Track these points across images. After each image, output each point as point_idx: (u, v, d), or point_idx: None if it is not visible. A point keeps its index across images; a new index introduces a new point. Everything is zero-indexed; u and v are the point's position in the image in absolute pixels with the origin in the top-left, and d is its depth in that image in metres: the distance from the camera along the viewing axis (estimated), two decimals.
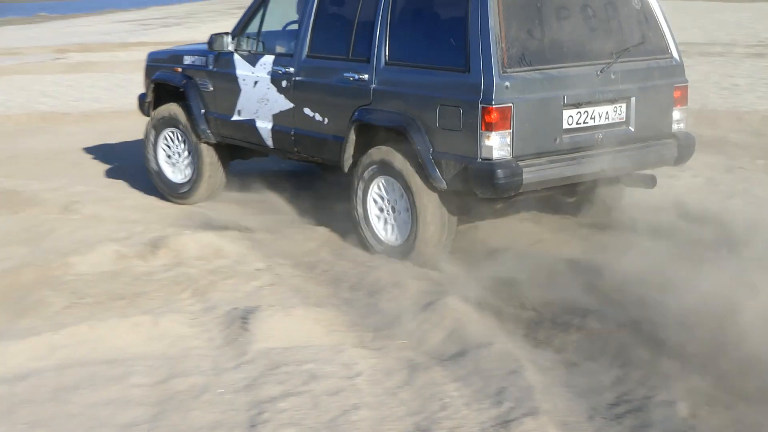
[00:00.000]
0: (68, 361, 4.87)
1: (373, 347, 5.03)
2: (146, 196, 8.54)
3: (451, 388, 4.52)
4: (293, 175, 9.07)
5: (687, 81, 6.84)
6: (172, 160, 8.34)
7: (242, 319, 5.29)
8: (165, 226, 7.32)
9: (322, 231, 7.07)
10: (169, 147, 8.33)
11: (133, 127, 11.03)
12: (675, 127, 6.80)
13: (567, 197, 7.23)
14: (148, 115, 8.48)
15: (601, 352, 4.92)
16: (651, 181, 6.82)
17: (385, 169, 6.47)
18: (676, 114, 6.79)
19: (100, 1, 51.83)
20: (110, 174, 9.50)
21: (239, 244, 6.75)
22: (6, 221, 7.77)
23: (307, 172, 9.15)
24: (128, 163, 9.33)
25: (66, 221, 7.63)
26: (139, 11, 44.77)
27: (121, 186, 8.93)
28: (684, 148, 6.81)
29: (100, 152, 10.62)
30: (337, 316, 5.43)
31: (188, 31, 29.41)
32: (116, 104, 14.17)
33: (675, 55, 6.78)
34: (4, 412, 4.36)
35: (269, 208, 7.93)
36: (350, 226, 7.02)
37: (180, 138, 8.22)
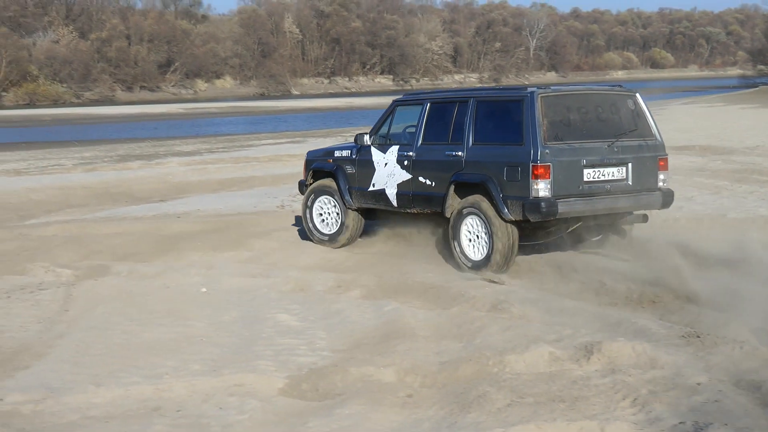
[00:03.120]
0: None
1: None
2: (581, 301, 8.57)
3: None
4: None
5: (667, 154, 10.17)
6: (324, 220, 11.73)
7: None
8: (594, 330, 7.30)
9: (765, 351, 6.67)
10: (321, 211, 11.75)
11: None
12: (660, 184, 10.11)
13: (593, 237, 10.36)
14: (303, 194, 12.07)
15: None
16: (644, 218, 10.31)
17: (472, 210, 9.82)
18: (661, 176, 10.10)
19: None
20: (536, 274, 9.70)
21: (676, 355, 6.55)
22: (438, 316, 8.14)
23: None
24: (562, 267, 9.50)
25: (495, 319, 7.84)
26: None
27: (549, 287, 9.06)
28: (666, 198, 10.13)
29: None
30: None
31: None
32: None
33: (658, 137, 10.10)
34: None
35: (691, 319, 7.72)
36: None
37: (330, 203, 11.66)
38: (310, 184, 11.95)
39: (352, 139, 11.57)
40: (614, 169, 9.72)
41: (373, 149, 11.12)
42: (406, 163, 10.68)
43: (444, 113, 10.47)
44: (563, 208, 9.36)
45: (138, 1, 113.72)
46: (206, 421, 5.90)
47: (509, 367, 6.59)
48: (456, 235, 9.98)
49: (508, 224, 9.60)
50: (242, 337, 7.73)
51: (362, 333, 7.72)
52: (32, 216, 15.85)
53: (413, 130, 10.80)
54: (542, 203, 9.25)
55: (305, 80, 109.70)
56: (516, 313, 8.00)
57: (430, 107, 10.66)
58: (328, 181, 11.67)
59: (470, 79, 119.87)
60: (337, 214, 11.59)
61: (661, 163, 10.06)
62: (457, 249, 9.99)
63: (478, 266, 9.77)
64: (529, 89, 9.59)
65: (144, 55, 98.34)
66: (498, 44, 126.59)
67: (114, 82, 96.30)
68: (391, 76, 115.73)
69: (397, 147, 10.83)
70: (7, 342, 7.72)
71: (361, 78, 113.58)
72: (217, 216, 14.67)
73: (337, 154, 11.69)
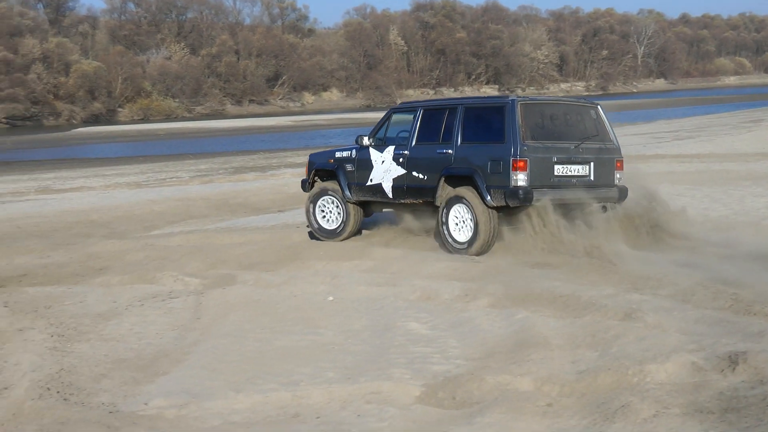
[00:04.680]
0: None
1: None
2: (716, 310, 8.31)
3: None
4: None
5: (622, 156, 11.96)
6: (325, 216, 13.27)
7: None
8: (736, 340, 7.07)
9: None
10: (323, 209, 13.28)
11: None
12: (616, 181, 11.86)
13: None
14: (307, 191, 13.59)
15: None
16: (604, 209, 11.62)
17: (459, 199, 11.46)
18: (617, 174, 11.86)
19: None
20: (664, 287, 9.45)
21: None
22: (571, 324, 8.00)
23: None
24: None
25: (629, 328, 7.66)
26: (649, 125, 45.30)
27: (679, 297, 8.82)
28: (622, 193, 11.84)
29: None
30: None
31: (702, 144, 29.03)
32: None
33: (615, 142, 11.94)
34: None
35: None
36: None
37: (331, 201, 13.21)
38: (313, 182, 13.52)
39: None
40: (579, 167, 11.54)
41: (371, 149, 12.74)
42: (401, 160, 12.34)
43: (435, 118, 12.17)
44: (537, 196, 11.06)
45: (246, 17, 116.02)
46: (346, 428, 5.91)
47: (650, 376, 6.42)
48: (445, 221, 11.64)
49: (491, 210, 11.28)
50: (374, 345, 7.74)
51: (494, 341, 7.64)
52: (156, 227, 16.24)
53: (407, 133, 12.41)
54: (520, 191, 11.01)
55: (411, 91, 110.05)
56: (651, 322, 7.80)
57: (423, 113, 12.37)
58: (329, 183, 13.23)
59: (577, 88, 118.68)
60: (337, 211, 13.15)
61: (618, 164, 11.89)
62: (446, 232, 11.64)
63: (464, 247, 11.43)
64: (510, 98, 11.42)
65: (252, 69, 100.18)
66: (605, 52, 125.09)
67: (224, 96, 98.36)
68: (497, 86, 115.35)
69: (393, 147, 12.48)
70: (145, 348, 7.89)
71: (466, 88, 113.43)
72: None
73: (337, 155, 13.28)
